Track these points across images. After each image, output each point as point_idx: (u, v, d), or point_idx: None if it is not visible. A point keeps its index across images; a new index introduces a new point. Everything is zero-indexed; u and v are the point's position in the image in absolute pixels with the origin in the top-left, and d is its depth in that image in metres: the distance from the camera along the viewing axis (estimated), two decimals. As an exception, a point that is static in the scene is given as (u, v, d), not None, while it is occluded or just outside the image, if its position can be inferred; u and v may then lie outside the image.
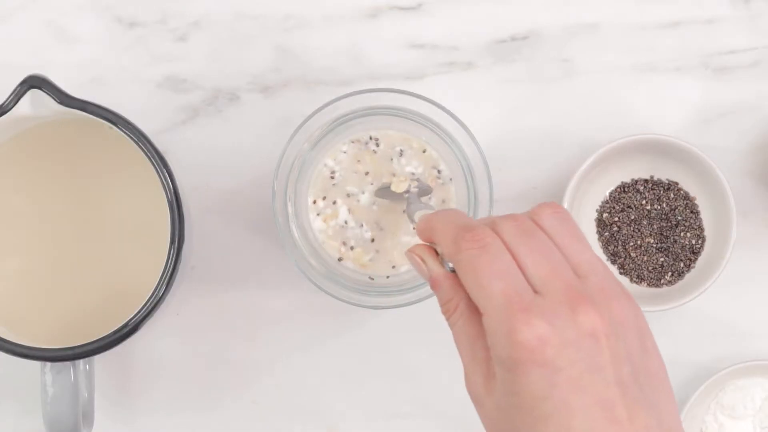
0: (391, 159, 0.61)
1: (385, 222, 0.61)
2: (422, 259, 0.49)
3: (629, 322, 0.44)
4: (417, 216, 0.54)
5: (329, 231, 0.61)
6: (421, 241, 0.50)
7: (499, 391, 0.44)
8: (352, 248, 0.60)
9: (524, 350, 0.42)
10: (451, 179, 0.61)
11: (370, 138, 0.61)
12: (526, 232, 0.45)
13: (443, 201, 0.61)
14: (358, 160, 0.61)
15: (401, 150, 0.61)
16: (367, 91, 0.59)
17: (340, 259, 0.60)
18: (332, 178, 0.61)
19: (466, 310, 0.46)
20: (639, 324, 0.45)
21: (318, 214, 0.60)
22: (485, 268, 0.44)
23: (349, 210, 0.60)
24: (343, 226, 0.60)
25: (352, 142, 0.61)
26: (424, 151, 0.61)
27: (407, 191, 0.59)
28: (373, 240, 0.61)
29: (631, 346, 0.44)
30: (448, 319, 0.47)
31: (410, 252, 0.49)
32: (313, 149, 0.60)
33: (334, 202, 0.60)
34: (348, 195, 0.61)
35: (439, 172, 0.61)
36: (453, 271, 0.47)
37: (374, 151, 0.60)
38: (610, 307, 0.44)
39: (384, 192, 0.60)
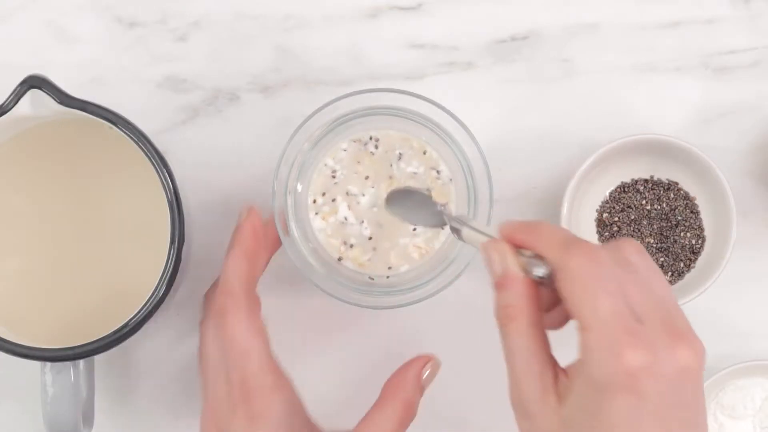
0: (391, 165, 0.61)
1: (384, 221, 0.61)
2: (499, 255, 0.48)
3: (703, 359, 0.45)
4: (478, 225, 0.53)
5: (328, 230, 0.61)
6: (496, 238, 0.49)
7: (571, 407, 0.43)
8: (351, 246, 0.60)
9: (624, 375, 0.42)
10: (451, 179, 0.61)
11: (370, 138, 0.61)
12: (626, 262, 0.45)
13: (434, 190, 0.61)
14: (358, 161, 0.60)
15: (400, 154, 0.61)
16: (367, 91, 0.59)
17: (339, 259, 0.60)
18: (333, 177, 0.60)
19: (529, 321, 0.46)
20: (704, 361, 0.45)
21: (317, 213, 0.60)
22: (596, 281, 0.44)
23: (349, 207, 0.60)
24: (342, 223, 0.60)
25: (353, 141, 0.61)
26: (424, 152, 0.61)
27: (443, 205, 0.58)
28: (370, 238, 0.60)
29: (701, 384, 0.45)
30: (503, 325, 0.47)
31: (489, 244, 0.48)
32: (313, 149, 0.60)
33: (334, 200, 0.60)
34: (348, 193, 0.61)
35: (438, 172, 0.61)
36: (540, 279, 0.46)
37: (372, 153, 0.60)
38: (696, 344, 0.44)
39: (398, 199, 0.59)
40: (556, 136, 0.68)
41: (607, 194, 0.67)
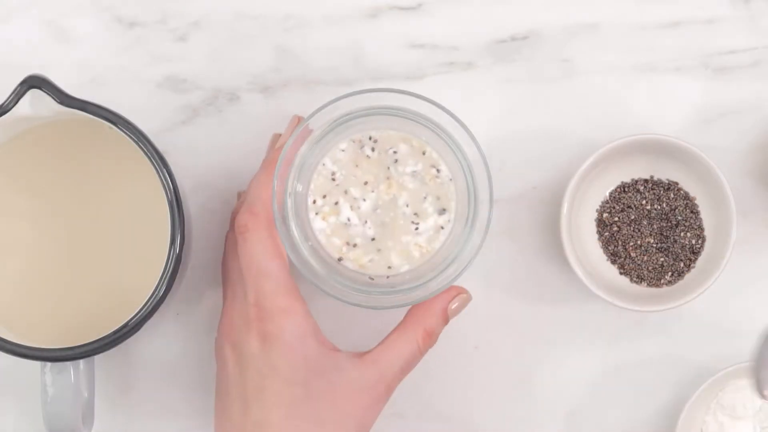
0: (388, 167, 0.60)
1: (388, 220, 0.60)
2: None
3: None
4: None
5: (328, 230, 0.60)
6: None
7: None
8: (355, 246, 0.60)
9: None
10: (451, 179, 0.61)
11: (370, 138, 0.60)
12: None
13: (438, 198, 0.61)
14: (356, 165, 0.60)
15: (396, 159, 0.60)
16: (367, 91, 0.59)
17: (339, 259, 0.60)
18: (333, 180, 0.60)
19: None
20: None
21: (317, 214, 0.60)
22: None
23: (351, 207, 0.60)
24: (346, 224, 0.60)
25: (352, 141, 0.60)
26: (423, 153, 0.61)
27: None
28: (373, 239, 0.60)
29: None
30: None
31: None
32: (312, 149, 0.60)
33: (336, 203, 0.60)
34: (346, 192, 0.60)
35: (438, 171, 0.61)
36: None
37: (368, 156, 0.60)
38: None
39: None
40: (556, 136, 0.68)
41: (607, 194, 0.67)
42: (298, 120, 0.61)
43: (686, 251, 0.67)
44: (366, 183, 0.60)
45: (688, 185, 0.67)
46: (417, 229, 0.60)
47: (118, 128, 0.57)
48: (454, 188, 0.61)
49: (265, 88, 0.68)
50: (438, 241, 0.61)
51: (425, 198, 0.61)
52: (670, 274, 0.67)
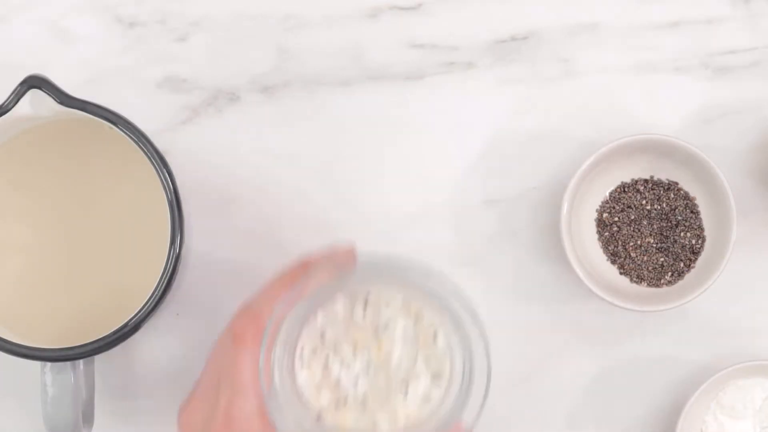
0: (378, 330, 0.56)
1: (378, 381, 0.56)
2: None
3: None
4: None
5: (313, 385, 0.55)
6: None
7: None
8: (343, 403, 0.56)
9: None
10: (446, 349, 0.55)
11: (365, 300, 0.55)
12: None
13: (430, 364, 0.56)
14: (347, 326, 0.55)
15: (387, 324, 0.56)
16: (379, 258, 0.55)
17: (319, 417, 0.55)
18: (323, 336, 0.55)
19: None
20: None
21: (302, 366, 0.55)
22: None
23: (341, 364, 0.56)
24: (335, 380, 0.55)
25: (348, 299, 0.56)
26: (419, 319, 0.56)
27: None
28: (361, 400, 0.55)
29: None
30: None
31: None
32: (307, 302, 0.55)
33: (326, 357, 0.55)
34: (335, 348, 0.56)
35: (435, 337, 0.56)
36: None
37: (361, 319, 0.56)
38: None
39: None
40: (556, 136, 0.68)
41: (607, 194, 0.67)
42: (348, 251, 0.56)
43: (686, 251, 0.67)
44: (356, 347, 0.55)
45: (688, 185, 0.67)
46: (407, 395, 0.56)
47: (118, 128, 0.57)
48: (449, 357, 0.56)
49: (265, 88, 0.68)
50: (427, 410, 0.56)
51: (416, 363, 0.56)
52: (670, 274, 0.67)
